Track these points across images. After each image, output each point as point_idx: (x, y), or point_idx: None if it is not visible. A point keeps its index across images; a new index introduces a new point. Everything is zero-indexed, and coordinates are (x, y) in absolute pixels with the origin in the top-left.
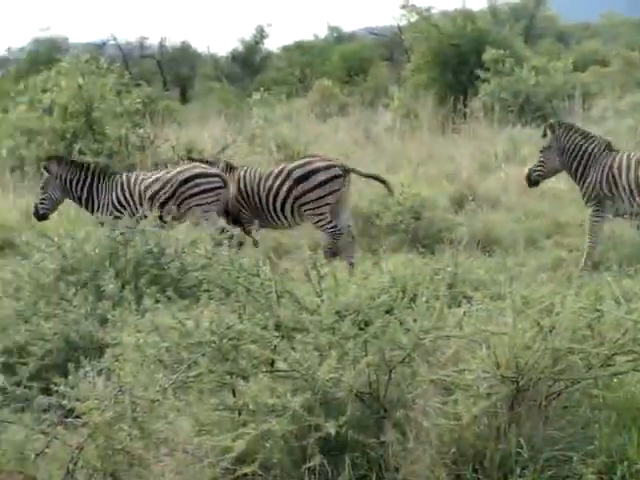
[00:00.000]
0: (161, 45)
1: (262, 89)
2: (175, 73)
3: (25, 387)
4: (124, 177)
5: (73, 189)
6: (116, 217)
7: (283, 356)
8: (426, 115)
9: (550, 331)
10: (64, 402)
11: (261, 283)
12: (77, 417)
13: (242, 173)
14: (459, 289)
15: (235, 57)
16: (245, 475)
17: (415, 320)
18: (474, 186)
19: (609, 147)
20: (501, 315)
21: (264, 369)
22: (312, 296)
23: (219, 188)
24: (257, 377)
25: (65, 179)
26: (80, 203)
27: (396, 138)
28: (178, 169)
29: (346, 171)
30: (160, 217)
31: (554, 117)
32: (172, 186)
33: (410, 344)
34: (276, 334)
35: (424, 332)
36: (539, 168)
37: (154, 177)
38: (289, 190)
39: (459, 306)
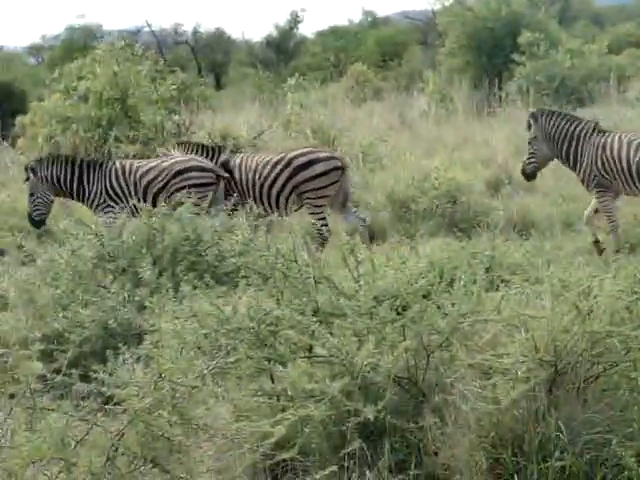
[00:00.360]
0: (195, 31)
1: (297, 74)
2: (209, 59)
3: (64, 374)
4: (117, 165)
5: (62, 185)
6: (109, 206)
7: (321, 341)
8: (461, 99)
9: (588, 314)
10: (103, 389)
11: (299, 269)
12: (116, 404)
13: (237, 161)
14: (496, 273)
15: (269, 43)
16: (284, 460)
17: (453, 304)
18: (510, 170)
19: (598, 128)
20: (539, 299)
21: (302, 354)
22: (350, 281)
23: (211, 184)
24: (295, 363)
25: (53, 178)
26: (72, 197)
27: (431, 122)
28: (173, 160)
29: (343, 167)
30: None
31: (589, 100)
32: (166, 176)
33: (448, 328)
34: (314, 319)
35: (462, 316)
36: (532, 160)
37: (149, 166)
38: (288, 178)
39: (497, 290)
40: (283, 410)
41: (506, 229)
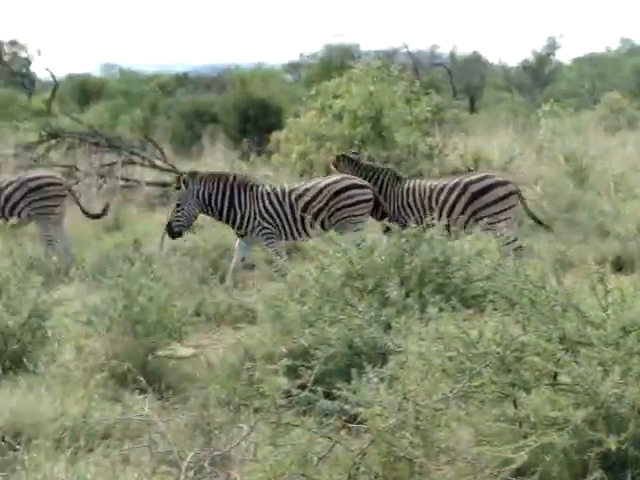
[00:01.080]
0: (452, 54)
1: (551, 100)
2: (465, 82)
3: (309, 390)
4: (268, 187)
5: (212, 203)
6: (264, 228)
7: (566, 369)
8: None
9: None
10: (347, 407)
11: (546, 296)
12: (359, 423)
13: (411, 184)
14: None
15: (525, 68)
16: None
17: None
18: None
19: None
20: None
21: (546, 382)
22: (597, 310)
23: (371, 200)
24: (539, 389)
25: (203, 194)
26: (220, 217)
27: None
28: (329, 180)
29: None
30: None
31: None
32: (325, 197)
33: None
34: (560, 347)
35: None
36: None
37: (304, 188)
38: (467, 204)
39: None
40: (525, 437)
41: None
